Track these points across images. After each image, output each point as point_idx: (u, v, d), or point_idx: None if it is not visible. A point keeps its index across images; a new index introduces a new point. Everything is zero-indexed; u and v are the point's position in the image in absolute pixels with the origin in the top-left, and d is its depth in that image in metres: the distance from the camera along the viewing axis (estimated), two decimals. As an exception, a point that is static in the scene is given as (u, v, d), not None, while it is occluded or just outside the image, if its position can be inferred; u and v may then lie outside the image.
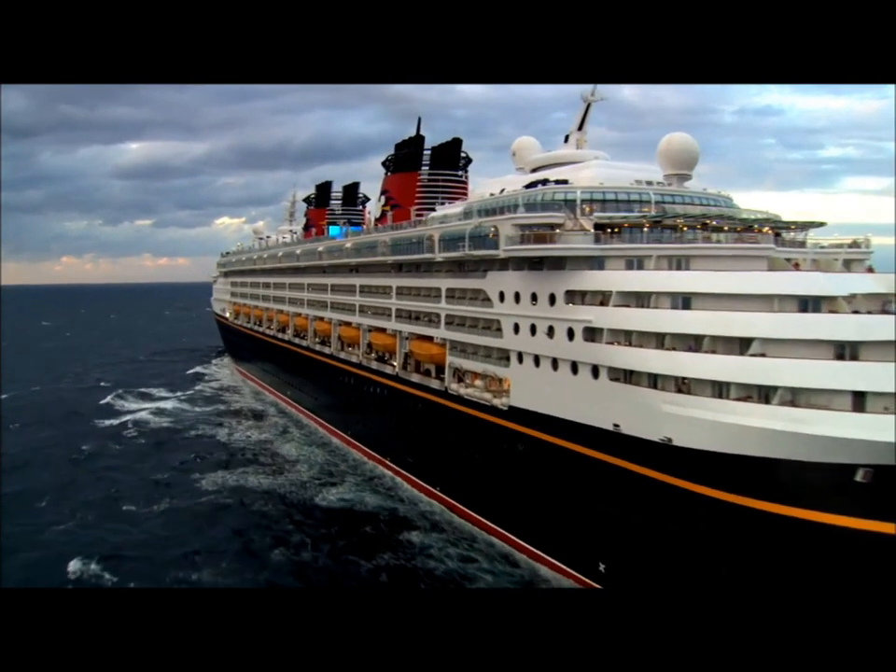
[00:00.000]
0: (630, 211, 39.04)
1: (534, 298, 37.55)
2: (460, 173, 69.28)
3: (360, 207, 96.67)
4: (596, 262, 35.42)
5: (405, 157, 68.90)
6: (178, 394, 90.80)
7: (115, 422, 75.42)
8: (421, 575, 37.49)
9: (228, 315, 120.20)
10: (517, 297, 38.91)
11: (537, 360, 37.61)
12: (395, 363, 54.95)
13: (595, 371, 33.64)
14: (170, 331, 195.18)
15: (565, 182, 41.12)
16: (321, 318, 71.86)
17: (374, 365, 58.10)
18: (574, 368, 34.92)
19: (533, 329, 37.49)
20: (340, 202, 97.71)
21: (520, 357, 39.08)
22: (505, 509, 41.02)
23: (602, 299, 34.05)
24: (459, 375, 46.16)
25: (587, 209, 38.33)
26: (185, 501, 48.99)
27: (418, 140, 69.22)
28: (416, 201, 67.05)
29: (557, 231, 37.16)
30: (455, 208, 50.03)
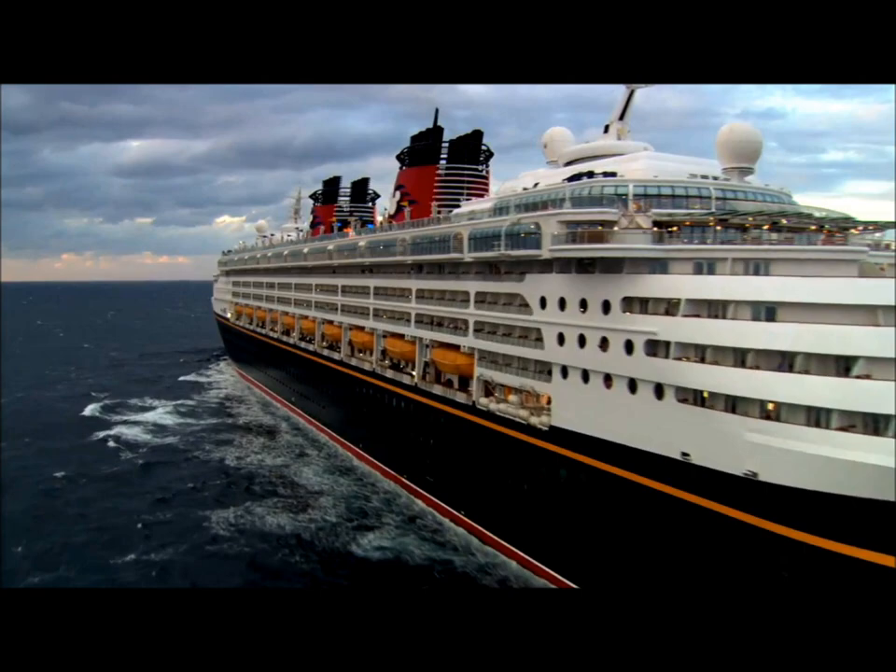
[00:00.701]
0: (686, 208, 34.77)
1: (583, 305, 33.18)
2: (481, 167, 65.11)
3: (370, 204, 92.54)
4: (659, 265, 31.06)
5: (422, 150, 64.53)
6: (178, 403, 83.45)
7: (105, 439, 66.98)
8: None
9: (229, 315, 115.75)
10: (562, 303, 34.54)
11: (585, 376, 33.24)
12: (413, 372, 50.54)
13: (659, 390, 29.31)
14: (169, 331, 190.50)
15: (613, 175, 36.77)
16: (330, 322, 67.46)
17: (390, 374, 53.70)
18: (632, 386, 30.58)
19: (582, 341, 33.12)
20: (348, 198, 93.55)
21: (564, 371, 34.71)
22: (541, 540, 36.65)
23: (667, 307, 29.70)
24: (489, 389, 41.80)
25: (639, 206, 34.04)
26: (190, 551, 40.14)
27: (436, 132, 64.90)
28: (435, 196, 62.93)
29: (613, 229, 32.83)
30: (484, 203, 45.68)
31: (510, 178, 50.67)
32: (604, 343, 31.81)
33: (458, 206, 59.20)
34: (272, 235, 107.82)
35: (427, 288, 48.48)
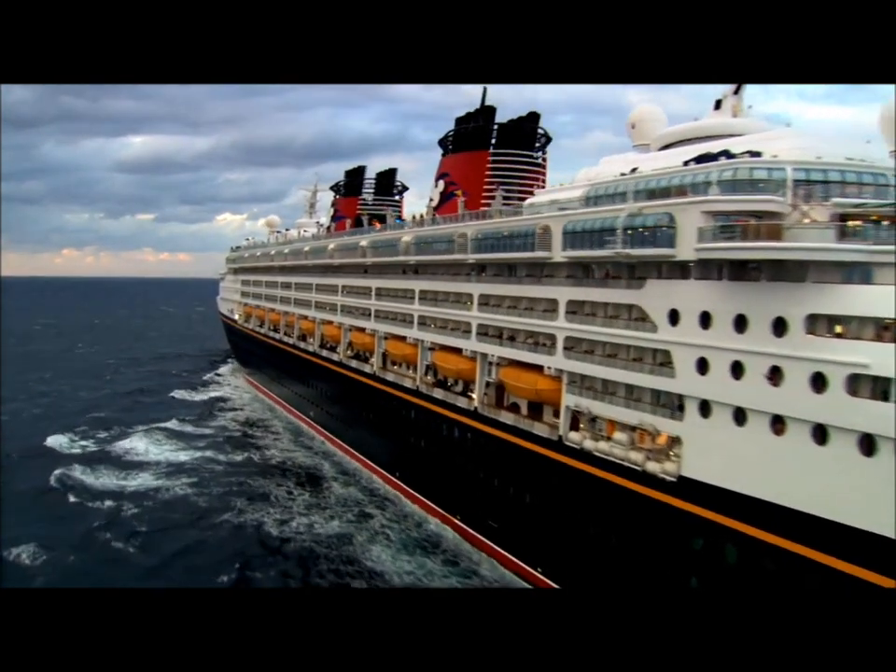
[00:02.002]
0: (845, 196, 26.92)
1: (740, 322, 25.28)
2: (537, 154, 57.29)
3: (398, 197, 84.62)
4: (858, 272, 23.20)
5: (471, 133, 56.69)
6: (190, 431, 68.23)
7: (100, 490, 49.89)
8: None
9: (237, 317, 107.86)
10: (705, 319, 26.62)
11: (741, 415, 25.36)
12: (473, 394, 42.57)
13: (869, 443, 21.46)
14: (171, 332, 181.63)
15: (757, 154, 28.88)
16: (360, 329, 59.41)
17: (438, 394, 45.73)
18: (821, 434, 22.72)
19: (737, 369, 25.22)
20: (372, 191, 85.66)
21: (705, 407, 26.82)
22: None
23: (877, 331, 21.88)
24: (582, 421, 33.89)
25: (809, 193, 26.26)
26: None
27: (486, 113, 57.07)
28: (486, 186, 55.15)
29: (778, 221, 25.00)
30: (569, 192, 37.71)
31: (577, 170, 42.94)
32: (775, 375, 23.93)
33: (512, 198, 52.00)
34: (286, 231, 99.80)
35: (495, 294, 40.49)
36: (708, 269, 26.96)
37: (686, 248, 26.97)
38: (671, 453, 28.82)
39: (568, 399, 34.21)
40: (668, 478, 28.22)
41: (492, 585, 35.36)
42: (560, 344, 34.30)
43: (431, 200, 56.76)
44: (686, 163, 31.15)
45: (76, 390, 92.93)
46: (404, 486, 50.00)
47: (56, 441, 63.66)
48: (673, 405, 28.64)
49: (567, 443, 33.85)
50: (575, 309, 33.86)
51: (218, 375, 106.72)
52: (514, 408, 40.99)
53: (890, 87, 26.61)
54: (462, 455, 42.67)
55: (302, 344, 74.96)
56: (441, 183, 57.72)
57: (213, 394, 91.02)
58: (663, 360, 28.79)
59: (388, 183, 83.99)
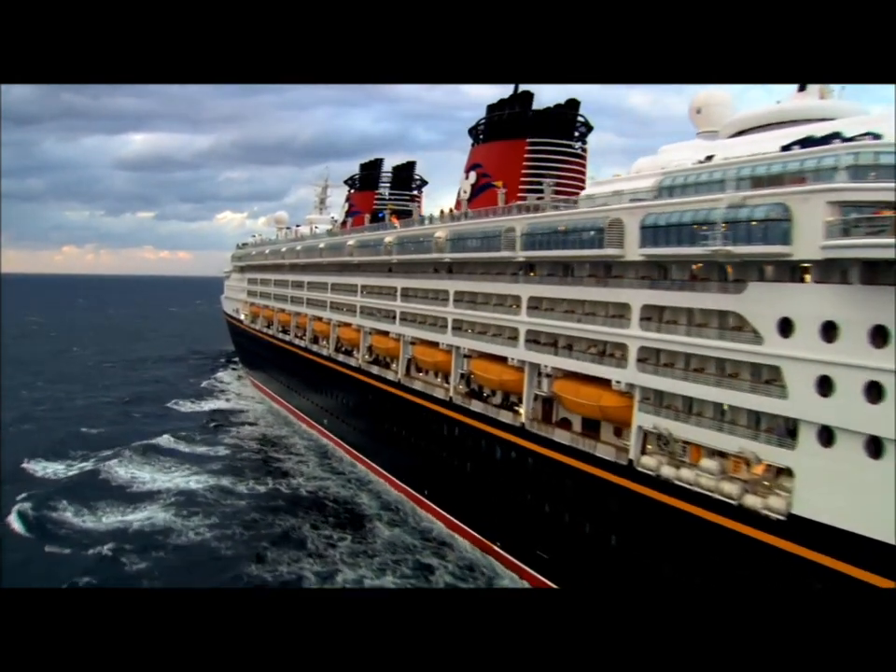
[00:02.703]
0: None
1: (878, 335, 21.16)
2: (577, 144, 53.19)
3: (416, 192, 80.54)
4: None
5: (506, 121, 52.57)
6: (202, 452, 59.91)
7: (92, 533, 41.19)
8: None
9: (242, 316, 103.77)
10: (829, 329, 22.48)
11: (876, 446, 21.28)
12: (520, 408, 38.43)
13: None
14: (173, 332, 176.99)
15: (877, 137, 24.78)
16: (384, 333, 55.20)
17: (477, 407, 41.59)
18: None
19: (875, 392, 21.12)
20: (388, 185, 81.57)
21: (826, 434, 22.72)
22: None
23: None
24: (658, 444, 29.79)
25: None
26: None
27: (523, 99, 52.91)
28: (523, 178, 51.07)
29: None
30: (636, 181, 33.58)
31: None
32: (929, 400, 19.84)
33: (543, 189, 48.06)
34: (296, 227, 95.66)
35: (548, 297, 36.32)
36: (830, 271, 22.85)
37: (806, 246, 22.83)
38: (776, 485, 24.74)
39: (642, 419, 30.07)
40: (774, 515, 24.12)
41: (492, 585, 34.13)
42: (633, 356, 30.12)
43: (465, 192, 52.54)
44: (786, 148, 27.07)
45: (70, 398, 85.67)
46: (433, 506, 45.91)
47: (39, 465, 54.56)
48: (780, 430, 24.54)
49: (640, 469, 29.74)
50: (651, 315, 29.72)
51: (224, 380, 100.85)
52: (564, 424, 36.90)
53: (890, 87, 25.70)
54: (504, 475, 38.53)
55: (315, 348, 70.81)
56: (473, 174, 53.64)
57: (221, 404, 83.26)
58: (769, 377, 24.68)
59: (406, 176, 79.94)
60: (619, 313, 31.39)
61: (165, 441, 62.66)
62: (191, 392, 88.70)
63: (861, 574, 21.52)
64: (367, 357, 59.37)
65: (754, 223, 24.17)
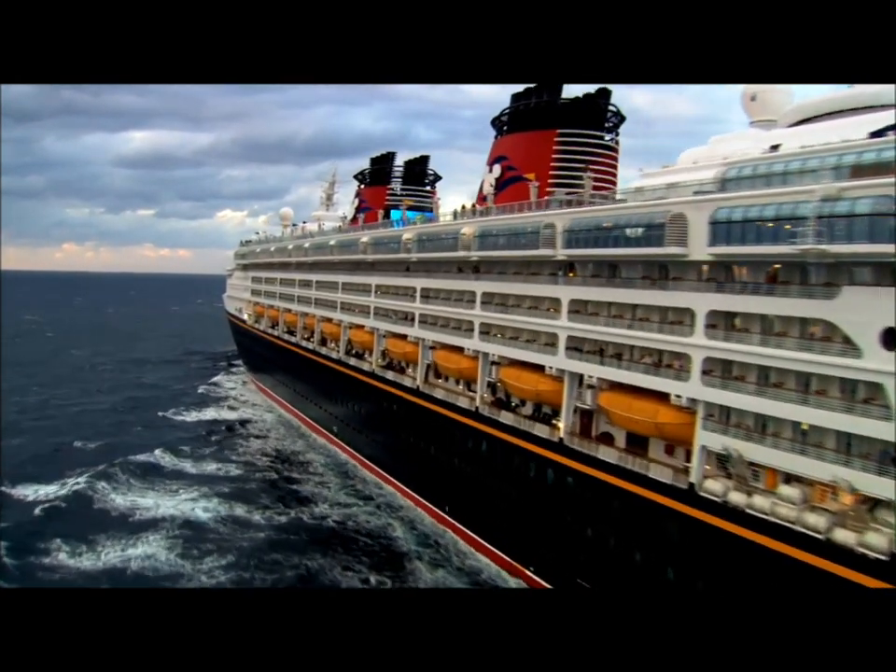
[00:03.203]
0: None
1: None
2: (609, 136, 50.11)
3: (430, 187, 77.40)
4: None
5: (534, 110, 49.41)
6: (210, 471, 54.68)
7: (82, 574, 36.27)
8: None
9: (246, 316, 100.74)
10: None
11: None
12: (559, 421, 35.32)
13: None
14: (173, 331, 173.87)
15: None
16: (401, 336, 52.02)
17: (506, 418, 38.48)
18: None
19: None
20: (399, 180, 78.42)
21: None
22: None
23: None
24: (724, 467, 26.72)
25: None
26: None
27: (552, 88, 49.81)
28: (553, 171, 47.99)
29: None
30: (690, 173, 30.49)
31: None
32: None
33: (574, 184, 45.10)
34: (302, 224, 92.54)
35: (593, 300, 33.24)
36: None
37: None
38: (873, 519, 21.68)
39: (706, 438, 26.99)
40: (874, 555, 21.04)
41: (491, 586, 34.06)
42: (697, 367, 27.02)
43: (490, 186, 49.40)
44: (877, 134, 24.01)
45: (64, 404, 79.84)
46: (456, 524, 42.86)
47: (27, 490, 48.26)
48: (881, 456, 21.46)
49: (703, 494, 26.67)
50: (717, 322, 26.64)
51: (227, 385, 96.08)
52: (605, 439, 33.86)
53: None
54: (540, 495, 35.44)
55: (324, 350, 67.74)
56: (498, 167, 50.46)
57: (227, 413, 77.30)
58: (867, 395, 21.61)
59: (420, 171, 76.80)
60: (678, 319, 28.32)
61: (168, 458, 57.45)
62: (194, 398, 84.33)
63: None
64: (380, 361, 56.33)
65: (855, 218, 21.06)
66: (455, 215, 48.34)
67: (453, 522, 43.66)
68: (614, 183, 49.36)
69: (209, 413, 76.59)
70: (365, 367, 57.58)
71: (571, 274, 35.52)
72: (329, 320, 66.64)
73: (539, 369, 36.17)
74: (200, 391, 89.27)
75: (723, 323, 26.41)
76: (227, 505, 46.88)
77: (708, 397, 26.71)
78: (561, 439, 34.37)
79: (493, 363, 40.72)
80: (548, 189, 47.02)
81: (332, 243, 65.65)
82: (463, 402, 42.92)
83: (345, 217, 77.28)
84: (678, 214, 27.39)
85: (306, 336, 75.31)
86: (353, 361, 60.49)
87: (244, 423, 72.70)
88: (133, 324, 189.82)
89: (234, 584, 35.28)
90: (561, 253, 34.35)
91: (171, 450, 59.45)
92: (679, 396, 27.72)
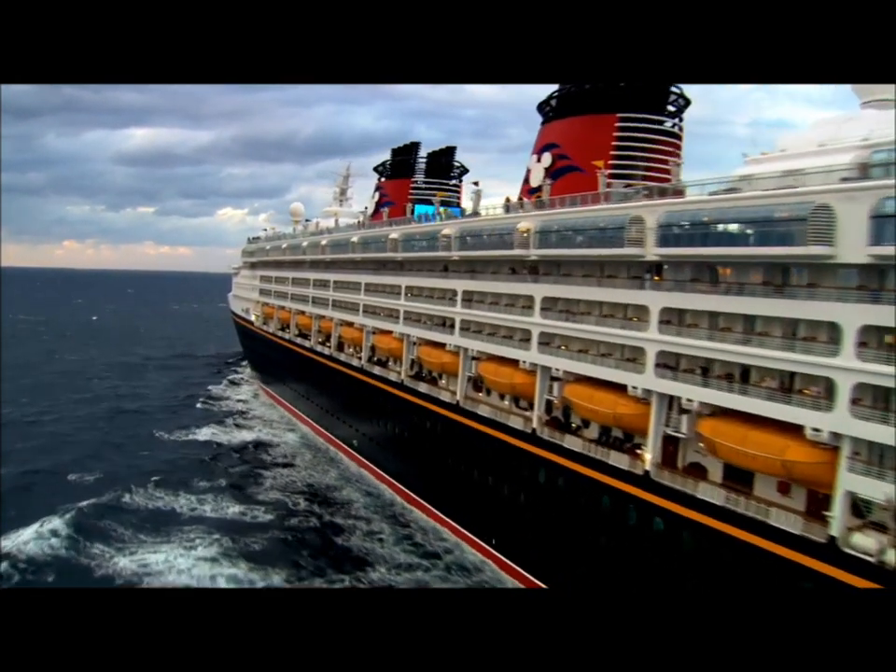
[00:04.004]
0: None
1: None
2: (671, 122, 45.23)
3: (457, 181, 72.47)
4: None
5: (591, 92, 44.46)
6: (233, 515, 45.47)
7: None
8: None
9: (253, 318, 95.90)
10: None
11: None
12: (645, 451, 30.34)
13: None
14: (174, 332, 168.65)
15: None
16: (439, 345, 46.90)
17: (574, 444, 33.56)
18: None
19: None
20: (422, 173, 73.44)
21: None
22: None
23: None
24: (867, 518, 21.80)
25: None
26: None
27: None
28: (613, 159, 43.11)
29: None
30: (824, 157, 25.51)
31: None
32: None
33: (648, 177, 40.45)
34: (316, 220, 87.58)
35: (691, 309, 28.28)
36: None
37: None
38: None
39: (853, 482, 22.05)
40: None
41: (489, 586, 33.77)
42: (845, 396, 22.04)
43: (540, 176, 44.44)
44: None
45: (51, 419, 71.10)
46: (503, 559, 37.97)
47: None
48: None
49: (849, 551, 21.74)
50: (868, 339, 21.67)
51: (237, 396, 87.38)
52: (695, 471, 29.02)
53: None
54: (616, 536, 30.50)
55: (343, 356, 62.82)
56: (548, 156, 45.47)
57: (243, 432, 67.65)
58: None
59: (445, 164, 71.85)
60: (812, 334, 23.40)
61: (182, 499, 47.40)
62: (201, 412, 76.72)
63: None
64: (410, 370, 51.38)
65: None
66: (506, 208, 43.26)
67: (499, 556, 38.82)
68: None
69: (221, 433, 67.55)
70: (391, 376, 52.64)
71: (657, 278, 30.55)
72: (350, 324, 61.64)
73: (618, 388, 31.20)
74: (207, 402, 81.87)
75: (876, 341, 21.45)
76: (262, 570, 36.74)
77: (859, 432, 21.74)
78: (647, 471, 29.44)
79: (555, 378, 35.71)
80: (608, 181, 42.43)
81: (355, 239, 60.55)
82: (516, 423, 37.99)
83: (366, 211, 72.15)
84: (822, 205, 22.38)
85: (320, 340, 70.47)
86: (377, 370, 55.57)
87: (264, 446, 63.69)
88: (131, 324, 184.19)
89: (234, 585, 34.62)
90: (654, 252, 29.32)
91: (182, 483, 50.14)
92: (817, 430, 22.71)
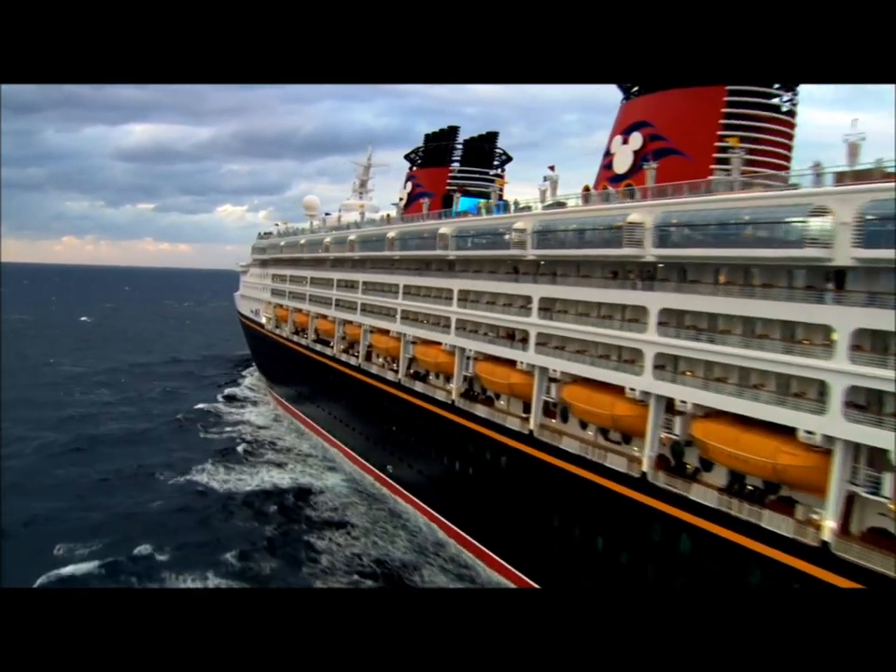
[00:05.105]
0: None
1: None
2: (786, 97, 38.48)
3: (499, 170, 65.49)
4: None
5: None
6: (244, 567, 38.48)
7: None
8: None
9: (264, 320, 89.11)
10: None
11: None
12: (824, 520, 23.43)
13: None
14: (173, 333, 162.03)
15: None
16: (508, 362, 39.76)
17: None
18: None
19: None
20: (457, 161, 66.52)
21: None
22: None
23: None
24: None
25: None
26: None
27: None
28: (718, 142, 36.44)
29: None
30: None
31: None
32: None
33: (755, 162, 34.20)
34: (338, 213, 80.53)
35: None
36: None
37: None
38: None
39: None
40: None
41: (488, 586, 33.78)
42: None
43: (629, 160, 37.54)
44: None
45: (28, 451, 59.14)
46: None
47: None
48: None
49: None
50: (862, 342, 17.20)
51: (251, 413, 77.13)
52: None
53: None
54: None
55: (374, 369, 55.91)
56: (638, 136, 38.63)
57: (273, 473, 55.06)
58: None
59: (488, 150, 64.87)
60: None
61: (209, 578, 37.02)
62: (211, 439, 64.59)
63: None
64: (460, 386, 44.47)
65: None
66: (606, 196, 36.15)
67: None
68: (788, 160, 37.93)
69: (246, 475, 54.43)
70: (440, 395, 45.70)
71: (837, 290, 23.63)
72: (386, 332, 54.58)
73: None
74: (219, 427, 69.88)
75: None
76: None
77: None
78: (825, 542, 22.56)
79: (682, 414, 28.69)
80: (712, 167, 35.77)
81: (392, 235, 53.40)
82: (615, 463, 31.13)
83: (399, 203, 65.15)
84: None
85: (343, 348, 63.62)
86: (419, 386, 48.63)
87: (302, 494, 51.03)
88: (129, 325, 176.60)
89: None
90: (857, 254, 22.09)
91: (197, 561, 38.67)
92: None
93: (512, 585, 37.03)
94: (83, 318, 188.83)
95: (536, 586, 35.47)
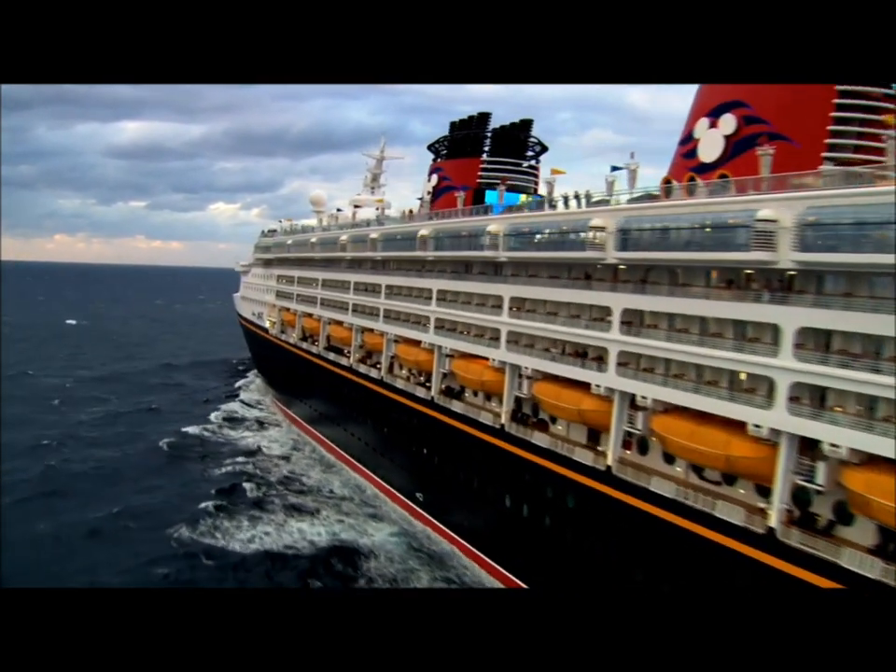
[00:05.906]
0: None
1: None
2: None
3: (534, 161, 60.05)
4: None
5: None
6: None
7: None
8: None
9: (267, 324, 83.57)
10: None
11: None
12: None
13: None
14: (169, 337, 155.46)
15: None
16: (564, 380, 34.63)
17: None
18: None
19: None
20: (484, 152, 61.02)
21: None
22: None
23: None
24: None
25: None
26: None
27: None
28: (833, 129, 31.39)
29: None
30: None
31: None
32: None
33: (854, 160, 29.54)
34: (353, 210, 74.89)
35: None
36: None
37: None
38: None
39: None
40: None
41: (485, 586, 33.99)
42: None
43: (725, 143, 32.19)
44: None
45: None
46: None
47: None
48: None
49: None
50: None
51: (265, 438, 67.99)
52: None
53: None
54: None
55: (400, 383, 50.44)
56: (731, 119, 33.23)
57: (302, 524, 45.48)
58: None
59: (522, 139, 59.39)
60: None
61: None
62: (220, 480, 53.69)
63: None
64: (511, 406, 39.10)
65: None
66: (688, 189, 30.65)
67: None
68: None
69: (270, 526, 44.92)
70: (484, 419, 40.32)
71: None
72: (415, 343, 49.03)
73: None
74: (231, 460, 59.31)
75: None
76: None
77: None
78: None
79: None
80: (823, 154, 30.70)
81: (424, 233, 47.79)
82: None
83: (428, 196, 59.45)
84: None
85: (360, 357, 58.18)
86: (457, 406, 43.22)
87: (349, 557, 41.16)
88: (119, 328, 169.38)
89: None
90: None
91: None
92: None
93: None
94: (69, 321, 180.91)
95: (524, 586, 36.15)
